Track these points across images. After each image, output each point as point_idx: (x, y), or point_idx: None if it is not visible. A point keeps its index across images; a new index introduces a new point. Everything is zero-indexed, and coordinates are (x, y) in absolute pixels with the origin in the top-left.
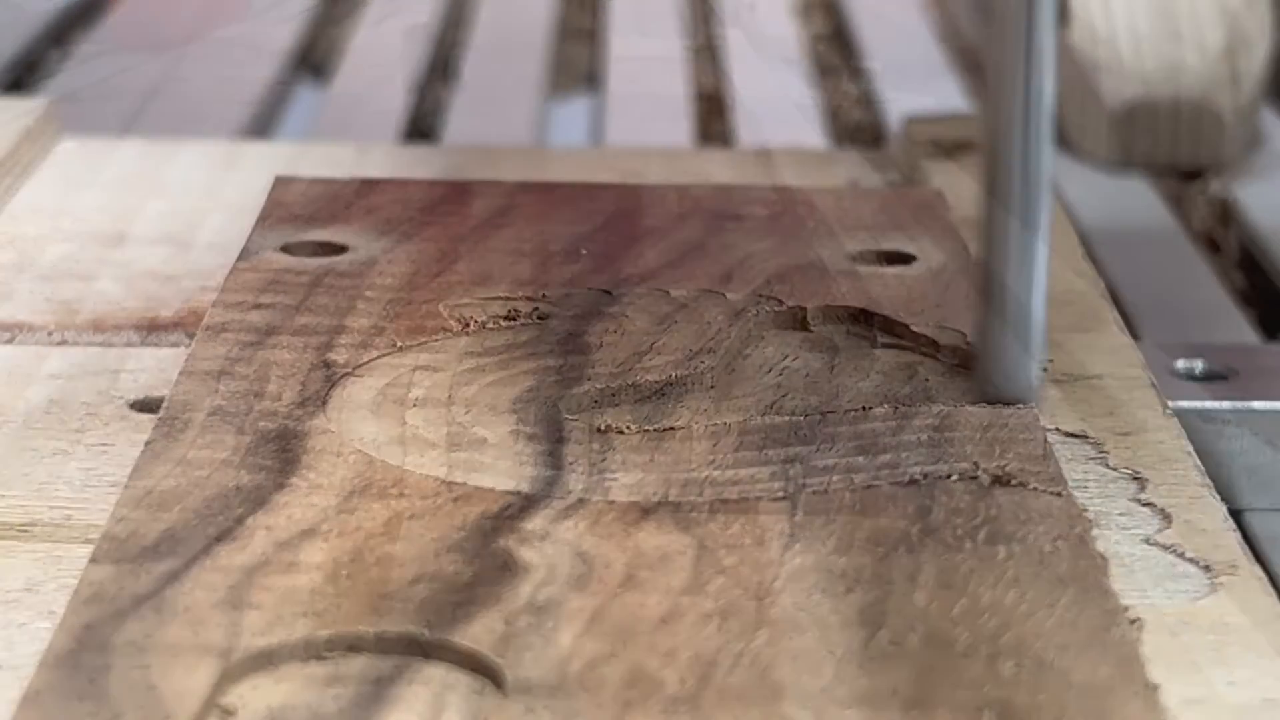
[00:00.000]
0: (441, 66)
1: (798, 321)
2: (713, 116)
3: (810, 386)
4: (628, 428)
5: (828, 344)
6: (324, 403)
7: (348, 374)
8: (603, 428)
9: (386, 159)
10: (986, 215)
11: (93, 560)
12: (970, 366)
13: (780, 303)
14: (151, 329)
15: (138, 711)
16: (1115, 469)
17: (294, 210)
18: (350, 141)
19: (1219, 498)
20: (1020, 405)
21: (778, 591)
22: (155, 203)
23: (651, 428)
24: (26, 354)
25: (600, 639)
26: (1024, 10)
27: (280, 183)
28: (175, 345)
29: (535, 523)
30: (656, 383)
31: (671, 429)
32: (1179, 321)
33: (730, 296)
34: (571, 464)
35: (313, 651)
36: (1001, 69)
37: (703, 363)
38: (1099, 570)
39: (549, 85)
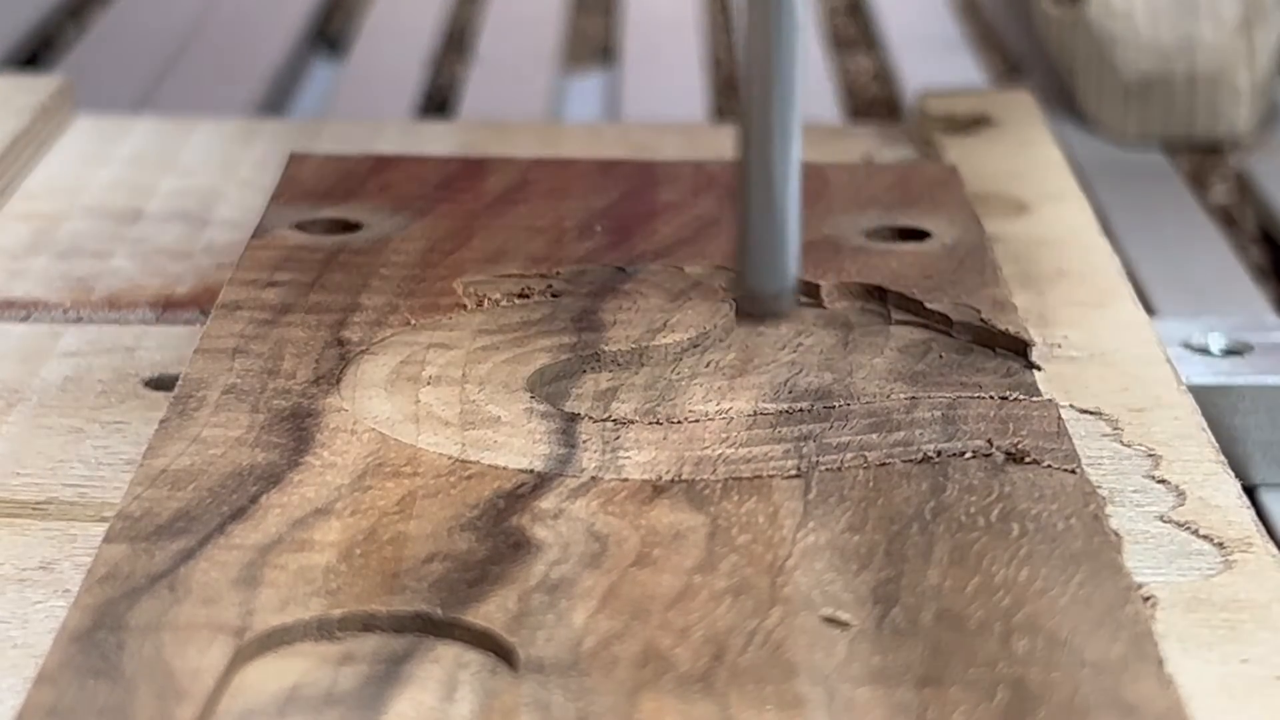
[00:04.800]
0: (457, 41)
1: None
2: (729, 91)
3: (824, 363)
4: (640, 409)
5: (842, 320)
6: (338, 381)
7: (362, 352)
8: (615, 418)
9: (401, 135)
10: (744, 123)
11: (107, 539)
12: (984, 342)
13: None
14: (166, 306)
15: (152, 689)
16: (1129, 445)
17: (308, 187)
18: (365, 117)
19: (1233, 474)
20: (1023, 372)
21: (791, 569)
22: (170, 180)
23: (663, 413)
24: (42, 331)
25: (613, 617)
26: None
27: (295, 160)
28: (190, 323)
29: (549, 501)
30: (670, 360)
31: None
32: (1194, 296)
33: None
34: (585, 442)
35: (326, 630)
36: None
37: (718, 339)
38: (1112, 548)
39: (564, 59)
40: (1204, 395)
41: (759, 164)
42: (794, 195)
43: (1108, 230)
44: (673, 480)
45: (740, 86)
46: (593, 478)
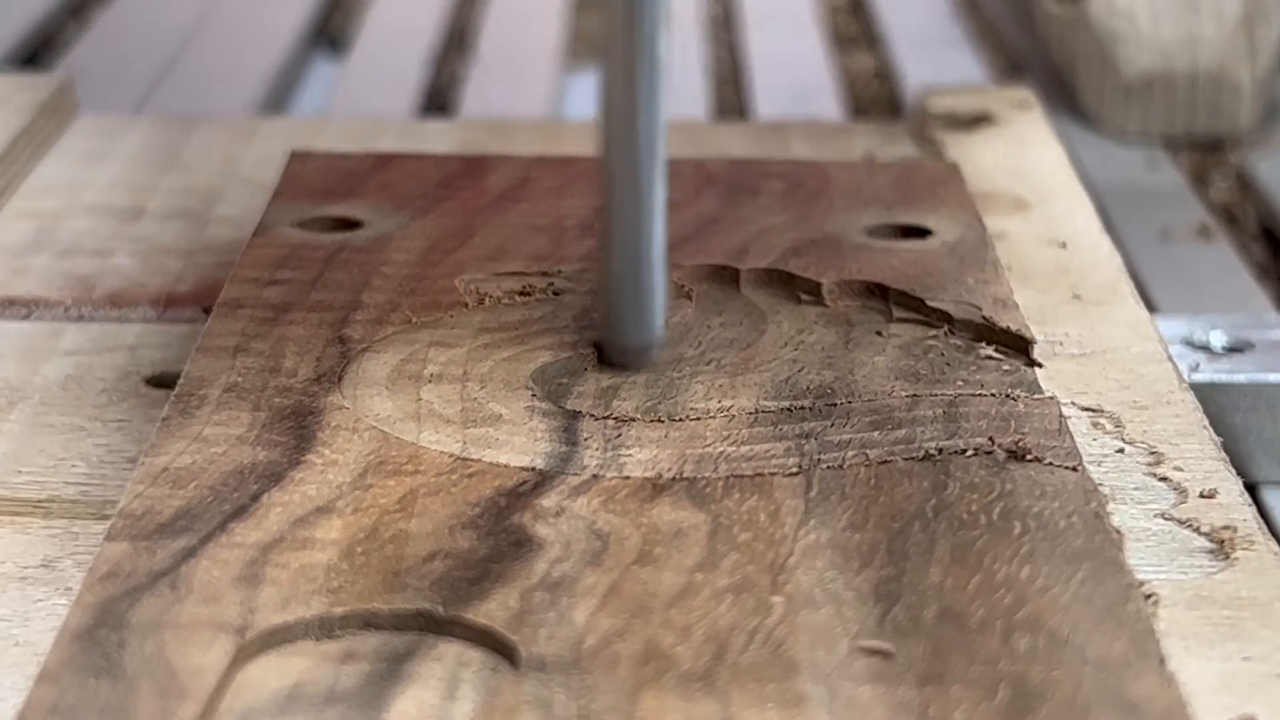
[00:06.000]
0: (458, 39)
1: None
2: (729, 89)
3: (826, 361)
4: (641, 407)
5: (843, 318)
6: (339, 379)
7: (363, 350)
8: (617, 416)
9: (402, 133)
10: (605, 178)
11: (109, 537)
12: (986, 340)
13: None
14: (168, 305)
15: (153, 688)
16: (1131, 443)
17: (309, 185)
18: (365, 116)
19: (1235, 472)
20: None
21: (792, 567)
22: (171, 178)
23: (665, 411)
24: (43, 330)
25: (615, 615)
26: None
27: (296, 158)
28: (191, 321)
29: (550, 499)
30: (671, 357)
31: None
32: (1196, 294)
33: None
34: (586, 440)
35: (328, 629)
36: (613, 31)
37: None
38: (1114, 545)
39: (565, 57)
40: (1205, 393)
41: (621, 218)
42: (659, 249)
43: (1109, 228)
44: (674, 478)
45: (599, 138)
46: (594, 475)
